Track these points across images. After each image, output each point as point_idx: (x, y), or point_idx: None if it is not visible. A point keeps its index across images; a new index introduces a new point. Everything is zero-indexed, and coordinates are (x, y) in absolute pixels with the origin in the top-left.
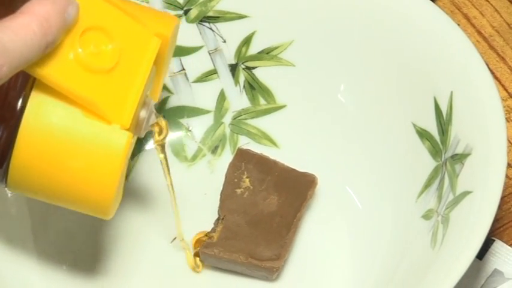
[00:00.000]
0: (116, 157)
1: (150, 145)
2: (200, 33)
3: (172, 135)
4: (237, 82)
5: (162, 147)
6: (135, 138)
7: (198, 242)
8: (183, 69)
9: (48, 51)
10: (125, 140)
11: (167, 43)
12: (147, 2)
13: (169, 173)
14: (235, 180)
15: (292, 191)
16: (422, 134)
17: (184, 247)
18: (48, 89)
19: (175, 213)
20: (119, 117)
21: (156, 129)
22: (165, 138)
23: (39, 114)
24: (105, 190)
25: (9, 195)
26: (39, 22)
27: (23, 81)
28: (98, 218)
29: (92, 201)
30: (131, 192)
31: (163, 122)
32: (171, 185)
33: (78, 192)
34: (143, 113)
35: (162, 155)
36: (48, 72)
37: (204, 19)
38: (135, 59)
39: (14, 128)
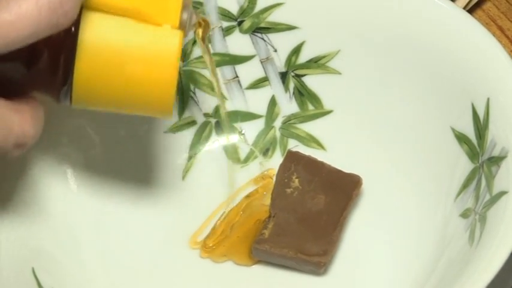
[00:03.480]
0: (173, 54)
1: (207, 146)
2: (253, 43)
3: (226, 139)
4: (287, 89)
5: (206, 40)
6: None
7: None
8: (237, 76)
9: None
10: (178, 36)
11: None
12: (204, 14)
13: (211, 61)
14: (286, 180)
15: (338, 190)
16: (461, 138)
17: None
18: (97, 7)
19: (219, 94)
20: (167, 17)
21: (198, 25)
22: (207, 31)
23: (93, 29)
24: (166, 86)
25: (75, 190)
26: None
27: None
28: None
29: (155, 101)
30: (186, 191)
31: (202, 18)
32: (214, 73)
33: (141, 95)
34: (185, 15)
35: (205, 50)
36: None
37: (257, 30)
38: None
39: (72, 45)
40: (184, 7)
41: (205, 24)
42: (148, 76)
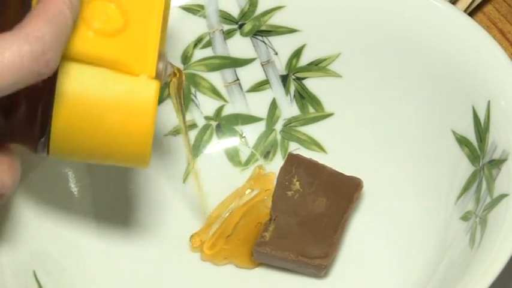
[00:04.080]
0: (149, 104)
1: (208, 149)
2: (253, 46)
3: (227, 142)
4: (287, 92)
5: (180, 93)
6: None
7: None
8: (238, 79)
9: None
10: (154, 87)
11: None
12: (205, 17)
13: (183, 115)
14: (286, 183)
15: (339, 193)
16: (462, 141)
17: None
18: (74, 57)
19: (187, 145)
20: (144, 68)
21: (173, 75)
22: (181, 81)
23: (71, 79)
24: (143, 137)
25: (76, 195)
26: (61, 9)
27: None
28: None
29: (132, 151)
30: (187, 194)
31: (176, 68)
32: (185, 128)
33: (118, 146)
34: (160, 64)
35: (176, 100)
36: (73, 50)
37: (258, 33)
38: (144, 13)
39: (50, 96)
40: (159, 57)
41: (180, 75)
42: (126, 126)
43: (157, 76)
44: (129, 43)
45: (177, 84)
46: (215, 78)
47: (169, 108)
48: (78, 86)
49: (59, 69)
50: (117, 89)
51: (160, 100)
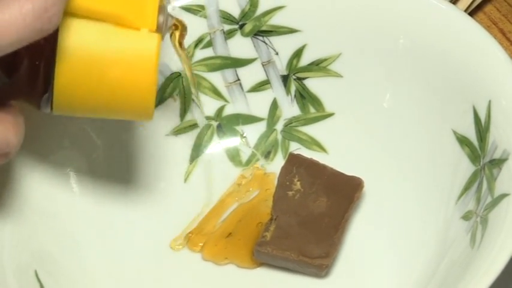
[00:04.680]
0: (151, 57)
1: (209, 149)
2: (254, 46)
3: (228, 142)
4: (288, 92)
5: (181, 43)
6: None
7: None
8: (238, 79)
9: None
10: (155, 41)
11: None
12: (206, 17)
13: (188, 64)
14: (287, 183)
15: (340, 193)
16: (462, 141)
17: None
18: (75, 12)
19: (196, 96)
20: (145, 21)
21: (174, 28)
22: (183, 32)
23: (73, 34)
24: (146, 89)
25: (77, 194)
26: None
27: None
28: None
29: (135, 104)
30: (188, 193)
31: (177, 20)
32: (191, 75)
33: (121, 99)
34: (161, 17)
35: (180, 52)
36: (73, 4)
37: (258, 33)
38: None
39: (52, 52)
40: (160, 10)
41: (181, 27)
42: (128, 80)
43: (159, 29)
44: None
45: (178, 36)
46: (216, 78)
47: (169, 109)
48: (80, 41)
49: (60, 24)
50: (119, 43)
51: (162, 100)
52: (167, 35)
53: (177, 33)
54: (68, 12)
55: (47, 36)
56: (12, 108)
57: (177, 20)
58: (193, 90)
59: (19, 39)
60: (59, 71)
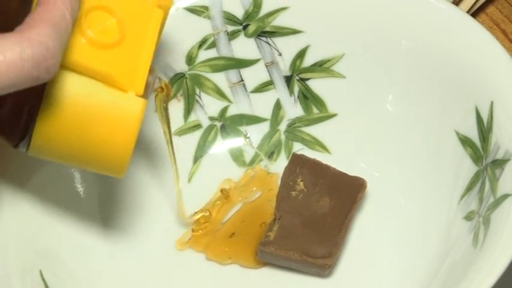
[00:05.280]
0: (134, 121)
1: (212, 150)
2: (258, 47)
3: (232, 142)
4: (291, 92)
5: (166, 106)
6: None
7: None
8: (242, 80)
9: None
10: (140, 106)
11: (167, 13)
12: (209, 18)
13: (169, 128)
14: (291, 183)
15: (343, 193)
16: (465, 141)
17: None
18: (67, 65)
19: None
20: (133, 85)
21: (160, 90)
22: (168, 96)
23: (61, 86)
24: (123, 150)
25: (82, 194)
26: (62, 15)
27: None
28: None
29: (110, 162)
30: (192, 193)
31: (164, 83)
32: (170, 139)
33: (97, 155)
34: (150, 78)
35: (161, 114)
36: (66, 58)
37: (262, 34)
38: (141, 30)
39: (38, 98)
40: (149, 71)
41: (167, 90)
42: (108, 139)
43: (145, 89)
44: (122, 58)
45: (163, 98)
46: (219, 79)
47: (173, 109)
48: (67, 94)
49: None
50: (105, 101)
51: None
52: (152, 96)
53: (162, 96)
54: (60, 64)
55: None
56: None
57: (165, 83)
58: (170, 153)
59: (14, 84)
60: (41, 118)
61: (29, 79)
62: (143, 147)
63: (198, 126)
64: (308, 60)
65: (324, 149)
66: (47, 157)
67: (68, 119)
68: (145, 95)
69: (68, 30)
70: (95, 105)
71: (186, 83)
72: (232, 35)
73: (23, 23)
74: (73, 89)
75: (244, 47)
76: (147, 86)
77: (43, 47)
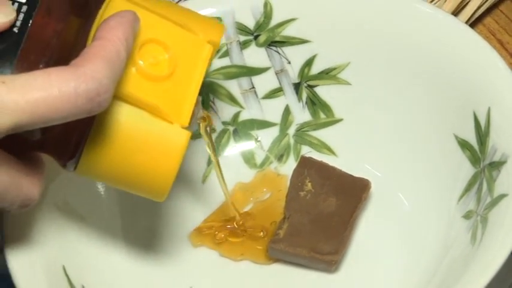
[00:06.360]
0: (177, 152)
1: (226, 152)
2: (268, 56)
3: (243, 145)
4: (300, 98)
5: (208, 133)
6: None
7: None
8: (253, 87)
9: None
10: (184, 138)
11: (216, 48)
12: (225, 30)
13: (214, 154)
14: (299, 184)
15: (348, 193)
16: (463, 145)
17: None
18: (118, 96)
19: (224, 189)
20: (179, 117)
21: (202, 120)
22: (210, 125)
23: (111, 114)
24: (165, 179)
25: (102, 194)
26: (118, 51)
27: None
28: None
29: (153, 187)
30: (206, 194)
31: (206, 113)
32: (217, 162)
33: (141, 181)
34: (194, 110)
35: (207, 139)
36: (117, 88)
37: (272, 43)
38: (190, 65)
39: (87, 125)
40: (195, 104)
41: (208, 120)
42: (152, 167)
43: (190, 120)
44: (170, 91)
45: (205, 126)
46: (232, 85)
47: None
48: (116, 122)
49: None
50: (152, 132)
51: None
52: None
53: (204, 125)
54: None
55: None
56: (41, 162)
57: (206, 114)
58: (218, 173)
59: (67, 117)
60: (90, 142)
61: (81, 112)
62: None
63: (212, 130)
64: (315, 68)
65: (331, 151)
66: (93, 178)
67: (115, 145)
68: (189, 126)
69: (121, 66)
70: (142, 134)
71: (202, 90)
72: (244, 45)
73: (78, 56)
74: (122, 118)
75: (255, 55)
76: (192, 116)
77: (97, 82)
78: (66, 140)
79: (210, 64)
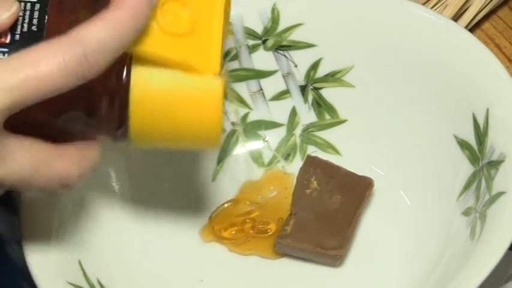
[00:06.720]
0: (217, 97)
1: (235, 152)
2: (275, 59)
3: (252, 145)
4: (306, 100)
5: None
6: None
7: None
8: (261, 89)
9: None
10: (220, 83)
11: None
12: (232, 34)
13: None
14: (305, 182)
15: (352, 191)
16: (463, 144)
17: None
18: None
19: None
20: (209, 67)
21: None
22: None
23: (143, 79)
24: (214, 127)
25: (116, 190)
26: (132, 14)
27: (123, 54)
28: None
29: (204, 138)
30: (216, 191)
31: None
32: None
33: (192, 135)
34: (222, 61)
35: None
36: (141, 47)
37: (279, 47)
38: (208, 17)
39: (125, 95)
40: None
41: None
42: (198, 119)
43: (220, 69)
44: (195, 44)
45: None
46: (241, 88)
47: None
48: (151, 84)
49: (132, 70)
50: (188, 87)
51: None
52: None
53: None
54: (138, 57)
55: (119, 81)
56: (88, 143)
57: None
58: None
59: (61, 86)
60: (133, 111)
61: (74, 80)
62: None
63: (222, 130)
64: (321, 71)
65: (335, 151)
66: (147, 145)
67: (157, 108)
68: (220, 75)
69: (142, 21)
70: (178, 93)
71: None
72: (252, 49)
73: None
74: (154, 78)
75: (263, 59)
76: (221, 66)
77: (83, 45)
78: (111, 117)
79: (229, 12)
